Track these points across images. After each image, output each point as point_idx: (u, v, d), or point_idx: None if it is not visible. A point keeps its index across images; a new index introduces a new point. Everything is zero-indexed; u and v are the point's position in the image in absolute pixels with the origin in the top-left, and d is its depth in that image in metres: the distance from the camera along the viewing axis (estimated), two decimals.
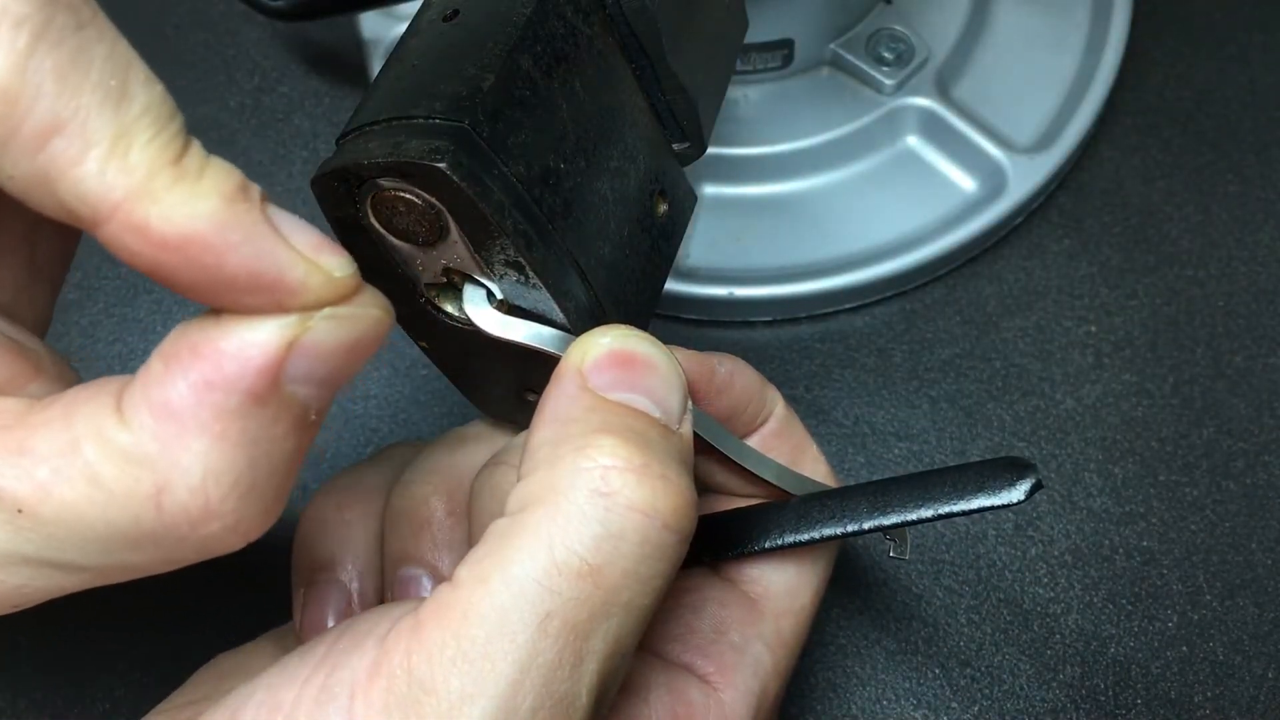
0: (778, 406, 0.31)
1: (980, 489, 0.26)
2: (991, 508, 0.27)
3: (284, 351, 0.20)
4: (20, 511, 0.20)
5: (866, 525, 0.27)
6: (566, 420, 0.24)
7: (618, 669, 0.23)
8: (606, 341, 0.25)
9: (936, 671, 0.37)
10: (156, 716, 0.28)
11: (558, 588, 0.22)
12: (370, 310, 0.21)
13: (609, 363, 0.25)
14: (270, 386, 0.20)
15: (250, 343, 0.20)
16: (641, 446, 0.23)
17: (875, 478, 0.39)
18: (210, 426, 0.20)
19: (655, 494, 0.23)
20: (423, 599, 0.23)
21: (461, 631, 0.21)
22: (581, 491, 0.22)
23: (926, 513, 0.27)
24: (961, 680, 0.36)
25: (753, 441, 0.31)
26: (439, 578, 0.29)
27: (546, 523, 0.22)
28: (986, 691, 0.36)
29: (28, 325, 0.25)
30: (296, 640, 0.30)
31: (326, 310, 0.21)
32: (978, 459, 0.39)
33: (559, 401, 0.24)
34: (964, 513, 0.27)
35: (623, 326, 0.26)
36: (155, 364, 0.21)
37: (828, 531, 0.28)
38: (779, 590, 0.29)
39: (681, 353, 0.28)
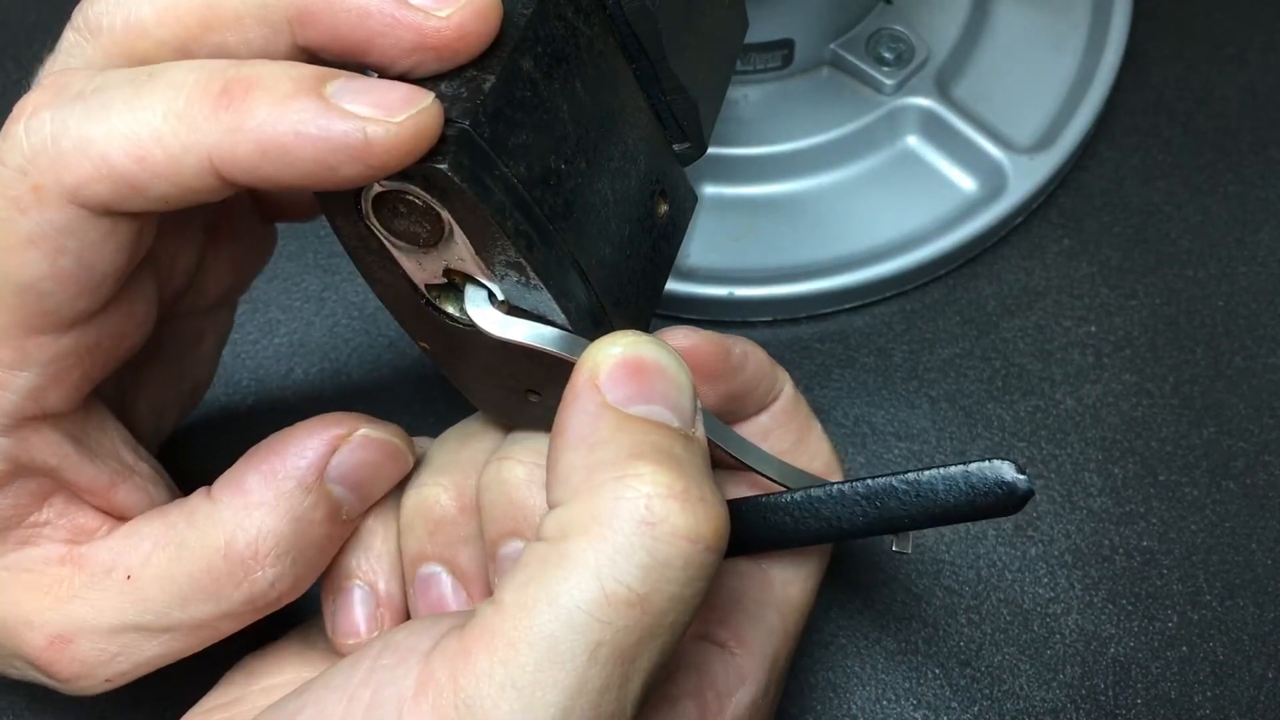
0: (786, 386, 0.32)
1: (977, 497, 0.27)
2: (990, 515, 0.27)
3: (326, 456, 0.29)
4: (129, 578, 0.28)
5: (862, 532, 0.28)
6: (595, 443, 0.24)
7: (659, 678, 0.24)
8: (617, 351, 0.25)
9: (936, 671, 0.37)
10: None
11: (607, 617, 0.22)
12: (394, 441, 0.30)
13: (623, 374, 0.25)
14: (314, 479, 0.29)
15: (305, 445, 0.29)
16: (677, 469, 0.24)
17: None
18: (268, 502, 0.28)
19: (699, 519, 0.23)
20: (459, 613, 0.25)
21: (510, 659, 0.22)
22: (627, 522, 0.23)
23: (925, 522, 0.27)
24: (961, 680, 0.36)
25: (761, 420, 0.31)
26: (458, 572, 0.30)
27: (593, 553, 0.23)
28: (986, 691, 0.36)
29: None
30: (333, 647, 0.31)
31: (362, 430, 0.29)
32: (977, 458, 0.39)
33: (581, 420, 0.25)
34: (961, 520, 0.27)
35: (630, 333, 0.26)
36: (239, 462, 0.29)
37: (825, 536, 0.29)
38: (786, 559, 0.30)
39: (697, 333, 0.29)
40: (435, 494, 0.30)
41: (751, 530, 0.29)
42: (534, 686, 0.22)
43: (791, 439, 0.32)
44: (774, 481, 0.30)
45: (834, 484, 0.29)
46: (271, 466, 0.29)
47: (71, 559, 0.28)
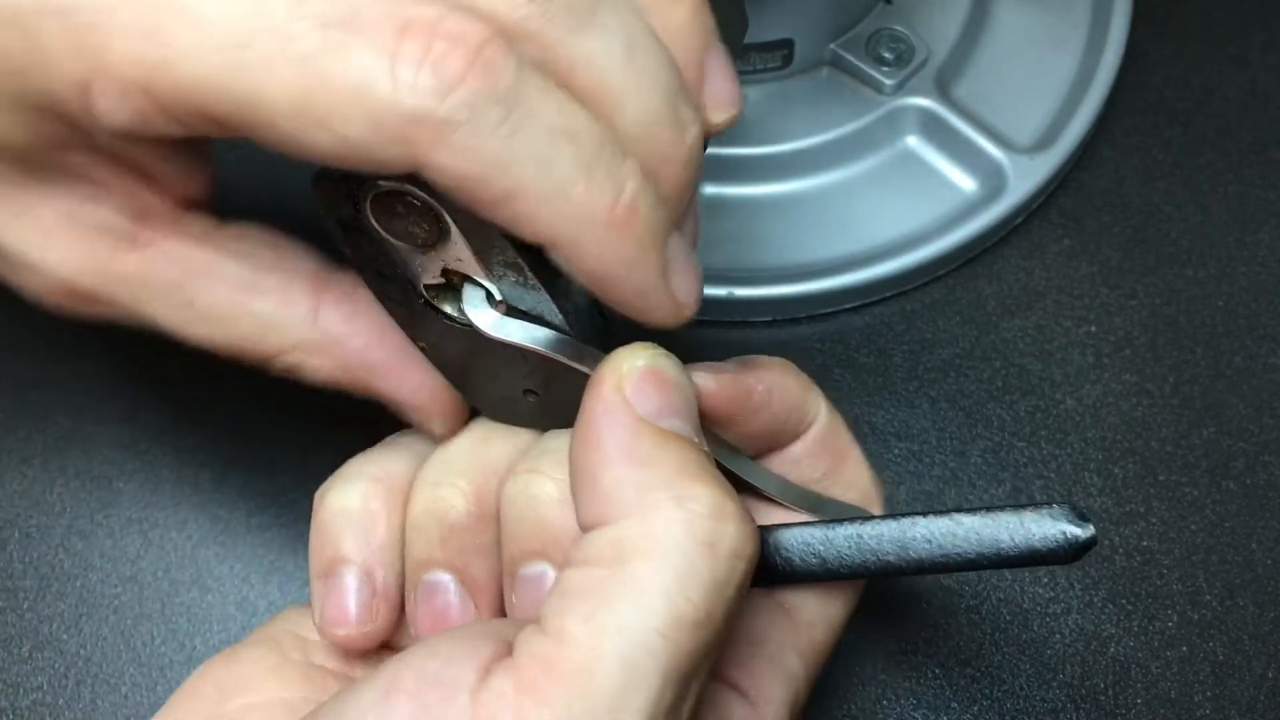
0: (821, 414, 0.30)
1: (1025, 543, 0.25)
2: (1034, 560, 0.26)
3: None
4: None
5: (893, 571, 0.27)
6: (641, 460, 0.24)
7: (703, 691, 0.24)
8: (641, 364, 0.25)
9: (936, 671, 0.37)
10: None
11: (676, 638, 0.22)
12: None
13: (650, 387, 0.25)
14: None
15: None
16: (721, 488, 0.24)
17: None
18: None
19: (746, 537, 0.24)
20: (486, 634, 0.24)
21: (588, 689, 0.22)
22: (689, 543, 0.23)
23: (977, 566, 0.26)
24: (961, 680, 0.36)
25: (794, 450, 0.30)
26: (468, 583, 0.29)
27: (659, 576, 0.23)
28: (986, 691, 0.36)
29: None
30: (320, 632, 0.29)
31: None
32: (978, 458, 0.39)
33: (618, 435, 0.25)
34: (997, 562, 0.26)
35: (647, 345, 0.26)
36: None
37: (852, 573, 0.27)
38: (813, 601, 0.29)
39: (713, 377, 0.28)
40: (451, 496, 0.29)
41: (772, 560, 0.28)
42: (614, 712, 0.22)
43: (824, 467, 0.30)
44: (774, 499, 0.29)
45: (879, 516, 0.27)
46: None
47: (139, 240, 0.27)
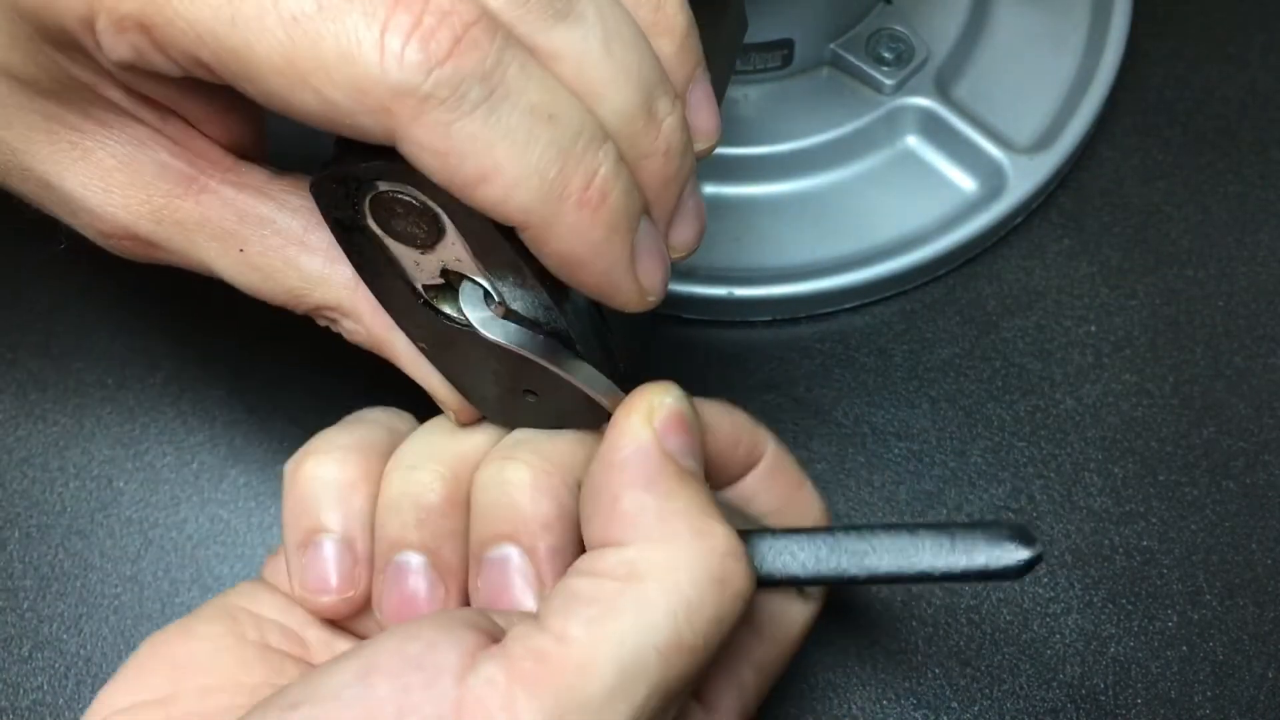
0: (770, 446, 0.31)
1: (972, 553, 0.27)
2: (983, 576, 0.27)
3: None
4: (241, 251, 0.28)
5: (848, 581, 0.28)
6: (666, 492, 0.26)
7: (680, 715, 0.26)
8: (671, 402, 0.27)
9: (936, 671, 0.37)
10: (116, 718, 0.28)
11: (671, 660, 0.24)
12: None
13: (676, 426, 0.27)
14: None
15: None
16: (730, 528, 0.26)
17: (876, 478, 0.39)
18: None
19: (751, 581, 0.26)
20: (468, 621, 0.25)
21: (579, 687, 0.23)
22: (705, 576, 0.25)
23: (909, 573, 0.27)
24: (961, 680, 0.36)
25: (748, 483, 0.31)
26: (440, 566, 0.29)
27: (668, 600, 0.24)
28: (986, 691, 0.36)
29: None
30: (301, 601, 0.30)
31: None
32: (978, 458, 0.39)
33: (645, 463, 0.26)
34: (949, 577, 0.27)
35: (671, 386, 0.27)
36: None
37: (811, 580, 0.29)
38: (773, 615, 0.30)
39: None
40: (428, 480, 0.29)
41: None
42: (600, 714, 0.23)
43: (778, 500, 0.32)
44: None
45: (842, 527, 0.28)
46: None
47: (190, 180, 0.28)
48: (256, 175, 0.29)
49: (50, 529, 0.39)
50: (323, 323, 0.30)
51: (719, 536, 0.25)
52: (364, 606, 0.30)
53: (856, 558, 0.28)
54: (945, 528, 0.27)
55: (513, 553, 0.28)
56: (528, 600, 0.28)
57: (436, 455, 0.30)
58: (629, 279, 0.25)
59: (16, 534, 0.39)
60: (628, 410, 0.27)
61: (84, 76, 0.26)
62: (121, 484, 0.40)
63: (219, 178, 0.28)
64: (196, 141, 0.28)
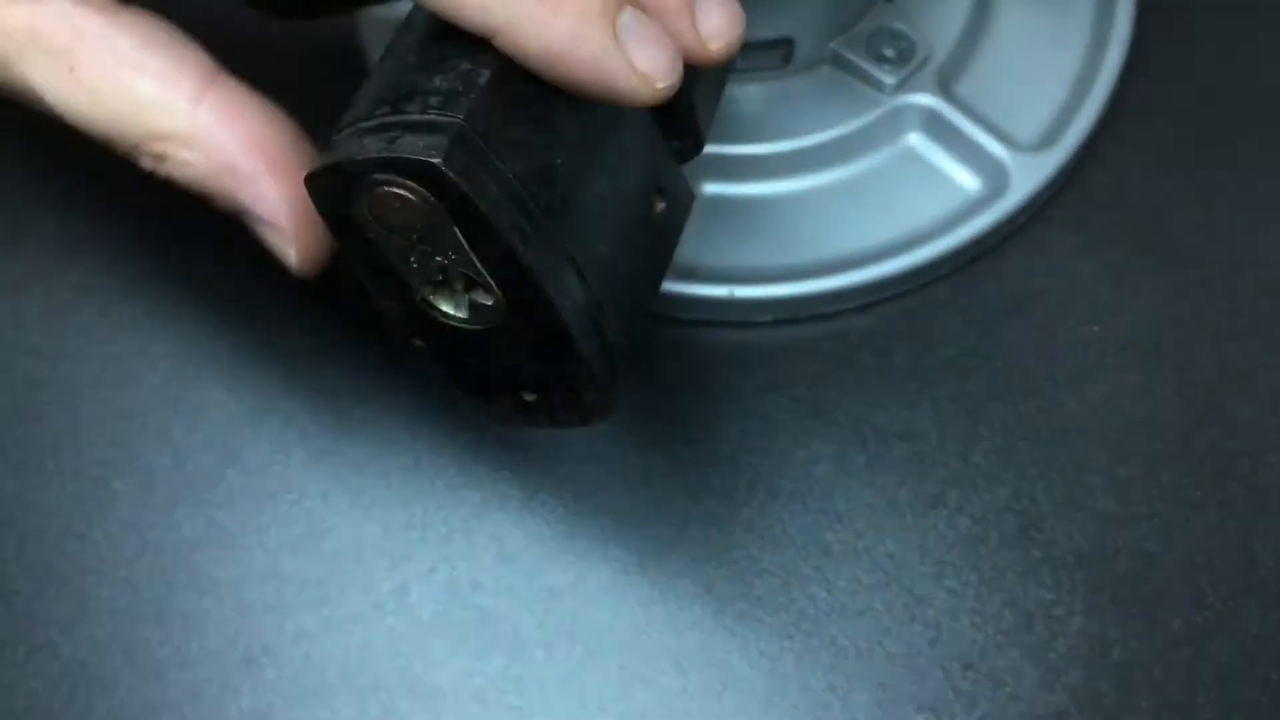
0: None
1: None
2: None
3: None
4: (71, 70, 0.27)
5: None
6: None
7: None
8: None
9: (939, 674, 0.36)
10: None
11: None
12: None
13: None
14: None
15: None
16: None
17: (877, 479, 0.39)
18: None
19: None
20: None
21: None
22: None
23: None
24: (964, 683, 0.36)
25: None
26: None
27: None
28: (989, 695, 0.36)
29: None
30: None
31: None
32: (980, 459, 0.39)
33: None
34: None
35: None
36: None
37: None
38: None
39: None
40: None
41: None
42: None
43: None
44: None
45: None
46: None
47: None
48: None
49: (45, 531, 0.39)
50: (148, 163, 0.29)
51: None
52: None
53: None
54: None
55: None
56: None
57: None
58: (624, 67, 0.24)
59: (12, 536, 0.39)
60: None
61: None
62: (118, 486, 0.39)
63: None
64: None
